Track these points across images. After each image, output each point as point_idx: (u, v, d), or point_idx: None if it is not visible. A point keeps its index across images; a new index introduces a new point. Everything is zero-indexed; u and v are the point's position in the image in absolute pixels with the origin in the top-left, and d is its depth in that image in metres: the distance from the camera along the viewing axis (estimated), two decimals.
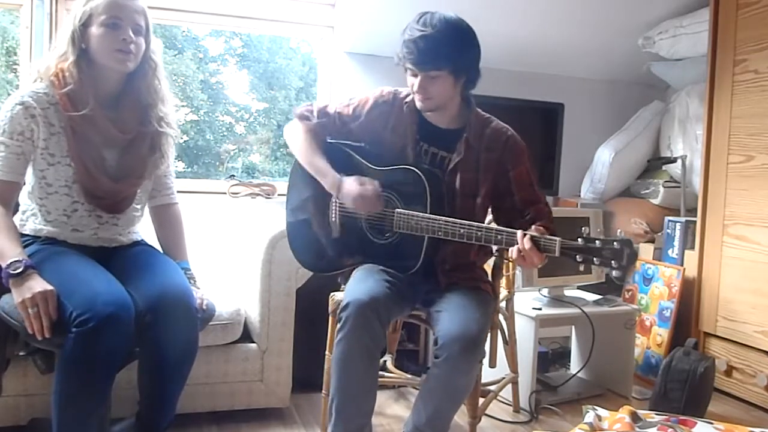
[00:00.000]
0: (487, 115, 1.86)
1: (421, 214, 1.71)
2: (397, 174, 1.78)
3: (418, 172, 1.74)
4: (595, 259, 1.48)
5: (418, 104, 1.76)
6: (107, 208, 1.77)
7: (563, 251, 1.52)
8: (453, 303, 1.70)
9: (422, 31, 1.66)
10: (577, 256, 1.50)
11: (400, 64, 1.75)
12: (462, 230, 1.64)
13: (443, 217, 1.67)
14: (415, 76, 1.71)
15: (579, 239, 1.51)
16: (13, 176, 1.67)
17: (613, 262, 1.46)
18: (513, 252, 1.57)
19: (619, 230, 1.54)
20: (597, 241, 1.48)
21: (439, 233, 1.67)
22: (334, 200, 1.87)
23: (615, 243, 1.47)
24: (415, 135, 1.82)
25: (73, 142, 1.68)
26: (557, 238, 1.53)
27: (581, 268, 1.52)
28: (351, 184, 1.77)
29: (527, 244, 1.54)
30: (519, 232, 1.56)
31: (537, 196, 1.81)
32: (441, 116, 1.81)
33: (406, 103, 1.83)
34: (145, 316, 1.61)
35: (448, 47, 1.67)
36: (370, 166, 1.84)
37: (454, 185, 1.78)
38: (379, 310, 1.62)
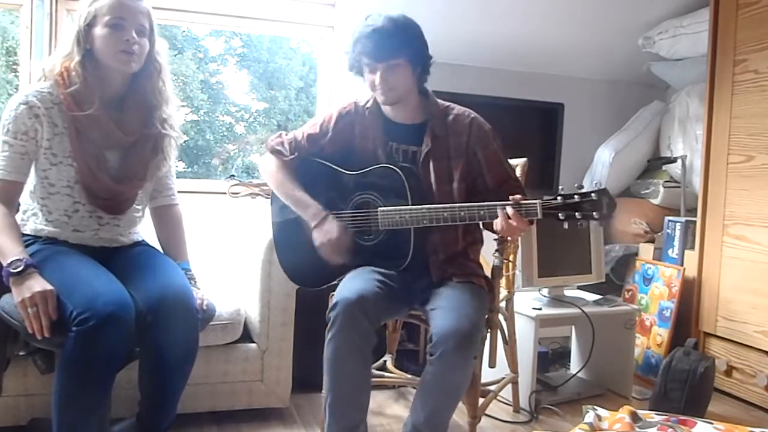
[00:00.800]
0: (447, 103, 1.90)
1: (404, 207, 1.74)
2: (373, 174, 1.82)
3: (393, 168, 1.78)
4: (576, 213, 1.55)
5: (381, 98, 1.81)
6: (108, 209, 1.77)
7: (545, 212, 1.58)
8: (446, 300, 1.72)
9: (372, 26, 1.74)
10: (560, 214, 1.57)
11: (355, 66, 1.81)
12: (446, 213, 1.70)
13: (426, 206, 1.72)
14: (374, 72, 1.76)
15: (558, 197, 1.57)
16: (16, 176, 1.67)
17: (594, 213, 1.53)
18: (497, 224, 1.63)
19: (594, 182, 1.58)
20: (576, 196, 1.55)
21: (425, 222, 1.72)
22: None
23: (593, 194, 1.54)
24: (383, 136, 1.86)
25: (76, 142, 1.68)
26: (537, 201, 1.58)
27: (565, 225, 1.56)
28: (331, 229, 1.79)
29: (510, 211, 1.60)
30: (500, 203, 1.62)
31: (507, 173, 1.87)
32: (403, 112, 1.86)
33: (367, 108, 1.89)
34: (145, 317, 1.61)
35: (400, 36, 1.75)
36: (346, 172, 1.88)
37: (429, 175, 1.82)
38: (368, 308, 1.63)
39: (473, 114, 1.88)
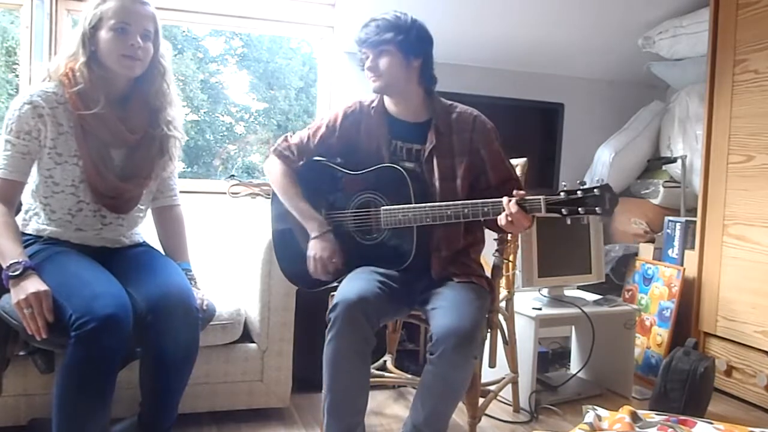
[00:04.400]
0: (451, 102, 1.93)
1: (407, 206, 1.75)
2: (377, 174, 1.84)
3: (396, 167, 1.80)
4: (579, 209, 1.57)
5: (371, 87, 1.85)
6: (113, 208, 1.77)
7: (549, 208, 1.60)
8: (447, 299, 1.72)
9: (371, 19, 1.84)
10: (563, 210, 1.59)
11: (360, 62, 1.87)
12: (449, 211, 1.71)
13: (428, 204, 1.74)
14: (366, 60, 1.83)
15: (561, 193, 1.59)
16: (17, 175, 1.67)
17: (597, 208, 1.56)
18: (501, 219, 1.64)
19: (597, 178, 1.61)
20: (578, 192, 1.58)
21: (428, 220, 1.73)
22: (321, 212, 1.91)
23: (595, 190, 1.56)
24: (387, 134, 1.88)
25: (83, 141, 1.69)
26: (541, 197, 1.61)
27: (568, 221, 1.61)
28: (326, 248, 1.82)
29: (513, 207, 1.62)
30: (504, 199, 1.64)
31: (509, 172, 1.89)
32: (406, 109, 1.89)
33: (373, 107, 1.91)
34: (146, 317, 1.61)
35: (392, 25, 1.81)
36: (350, 172, 1.89)
37: (433, 173, 1.83)
38: (368, 309, 1.63)
39: (476, 112, 1.90)
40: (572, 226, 1.73)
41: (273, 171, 1.96)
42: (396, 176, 1.79)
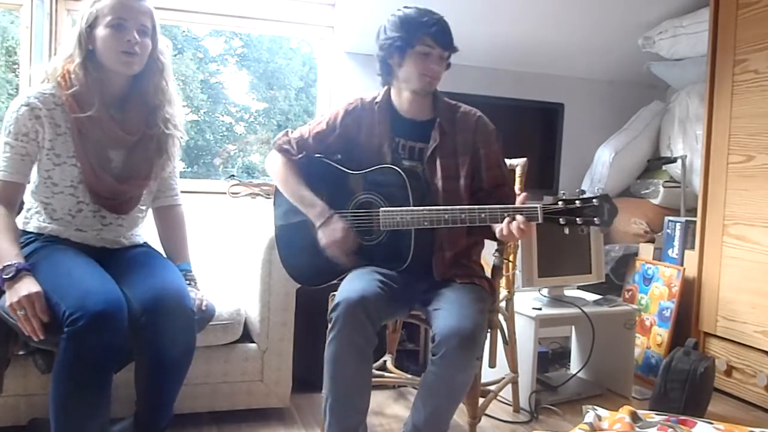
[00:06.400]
0: (454, 102, 1.93)
1: (405, 208, 1.74)
2: (376, 174, 1.83)
3: (395, 168, 1.79)
4: (577, 219, 1.55)
5: (420, 84, 1.82)
6: (112, 208, 1.77)
7: (546, 217, 1.58)
8: (449, 300, 1.71)
9: (435, 16, 1.81)
10: (560, 219, 1.56)
11: (400, 48, 1.79)
12: (447, 216, 1.69)
13: (426, 207, 1.72)
14: (427, 57, 1.79)
15: (559, 202, 1.57)
16: (17, 177, 1.68)
17: (595, 219, 1.53)
18: (504, 228, 1.61)
19: (597, 188, 1.58)
20: (577, 201, 1.55)
21: (425, 223, 1.72)
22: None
23: (594, 200, 1.53)
24: (389, 132, 1.87)
25: (79, 143, 1.69)
26: (538, 204, 1.59)
27: (566, 231, 1.56)
28: (336, 229, 1.80)
29: (519, 217, 1.59)
30: (501, 207, 1.61)
31: (504, 177, 1.89)
32: (417, 107, 1.88)
33: (377, 103, 1.90)
34: (140, 318, 1.60)
35: (450, 31, 1.83)
36: (349, 171, 1.88)
37: (436, 173, 1.83)
38: (370, 308, 1.63)
39: (479, 113, 1.91)
40: None
41: (274, 164, 1.95)
42: (394, 177, 1.78)
